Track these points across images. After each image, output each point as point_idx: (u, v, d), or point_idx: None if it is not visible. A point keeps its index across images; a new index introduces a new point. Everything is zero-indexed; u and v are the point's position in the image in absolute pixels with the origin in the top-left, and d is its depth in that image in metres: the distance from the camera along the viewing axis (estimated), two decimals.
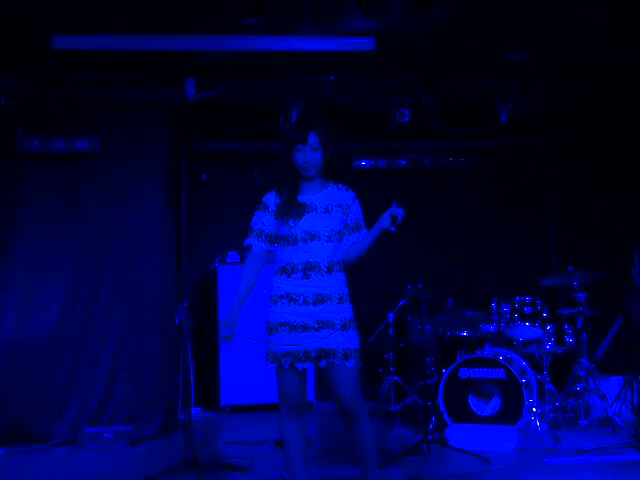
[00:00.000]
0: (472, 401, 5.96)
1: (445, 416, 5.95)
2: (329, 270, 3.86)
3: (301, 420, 3.95)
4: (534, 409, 5.98)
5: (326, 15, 5.42)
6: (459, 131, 7.16)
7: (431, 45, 5.96)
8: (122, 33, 5.64)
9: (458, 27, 5.64)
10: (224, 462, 5.30)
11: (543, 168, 8.02)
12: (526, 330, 6.37)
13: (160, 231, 6.67)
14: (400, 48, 5.99)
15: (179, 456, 5.20)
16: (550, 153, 7.97)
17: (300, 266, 3.85)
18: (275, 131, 6.86)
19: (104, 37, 5.63)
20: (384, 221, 3.80)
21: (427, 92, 6.70)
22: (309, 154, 3.84)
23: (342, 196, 3.94)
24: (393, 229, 3.79)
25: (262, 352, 7.12)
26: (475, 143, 7.68)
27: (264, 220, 3.95)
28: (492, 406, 5.92)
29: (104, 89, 6.37)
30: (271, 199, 3.95)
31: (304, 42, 5.80)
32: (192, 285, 7.48)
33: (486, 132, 7.13)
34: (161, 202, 6.68)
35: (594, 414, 6.13)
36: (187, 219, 7.43)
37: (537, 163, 7.99)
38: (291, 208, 3.86)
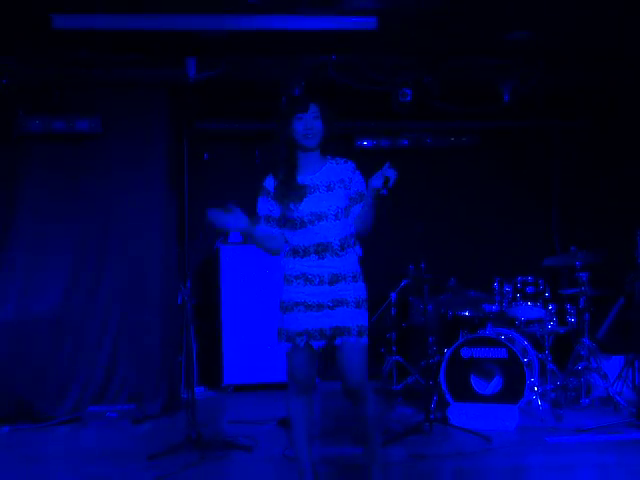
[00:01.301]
0: (474, 380, 5.97)
1: (447, 395, 5.97)
2: (342, 248, 3.84)
3: (309, 399, 3.96)
4: (536, 388, 5.99)
5: None
6: (461, 111, 7.14)
7: (433, 24, 5.93)
8: (123, 12, 5.61)
9: (460, 6, 5.62)
10: (227, 441, 5.32)
11: (546, 148, 8.03)
12: (528, 310, 6.37)
13: (161, 211, 6.68)
14: (402, 27, 5.97)
15: (182, 435, 5.24)
16: (553, 133, 7.97)
17: (312, 248, 3.83)
18: (277, 111, 6.83)
19: (105, 16, 5.61)
20: (375, 180, 3.69)
21: (429, 72, 6.70)
22: (310, 122, 3.82)
23: (342, 170, 3.90)
24: (385, 192, 3.67)
25: (265, 332, 7.25)
26: (477, 123, 7.69)
27: (268, 206, 3.90)
28: (494, 385, 5.93)
29: (105, 69, 6.36)
30: (270, 183, 3.92)
31: (306, 21, 5.78)
32: (194, 265, 7.48)
33: (488, 112, 7.12)
34: (162, 182, 6.68)
35: (595, 393, 6.16)
36: (189, 199, 7.39)
37: (540, 143, 7.99)
38: (288, 191, 3.84)
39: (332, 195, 3.86)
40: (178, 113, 7.10)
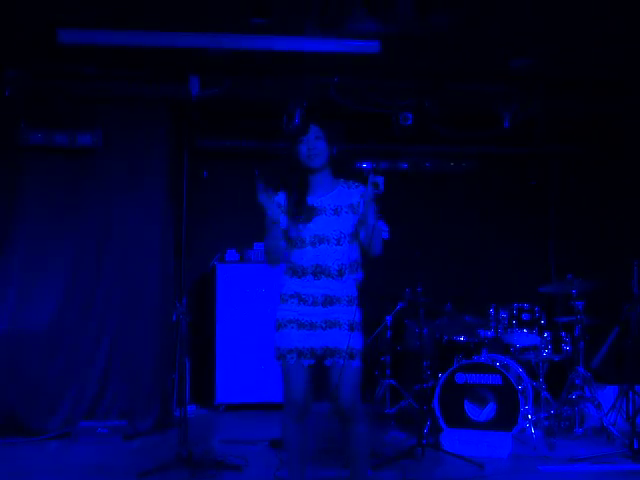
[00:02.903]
0: (467, 406, 5.95)
1: (440, 420, 5.94)
2: (340, 274, 3.85)
3: (305, 423, 3.93)
4: (529, 416, 5.97)
5: (332, 16, 5.42)
6: (461, 135, 7.17)
7: (435, 50, 5.97)
8: (128, 29, 5.64)
9: (462, 32, 5.66)
10: (217, 460, 5.28)
11: (544, 175, 8.05)
12: (523, 337, 6.37)
13: (160, 228, 6.67)
14: (405, 52, 6.01)
15: (173, 452, 5.21)
16: (551, 160, 8.00)
17: (310, 269, 3.84)
18: (278, 131, 6.87)
19: (110, 32, 5.64)
20: (367, 193, 3.77)
21: (430, 96, 6.72)
22: (312, 143, 3.86)
23: (352, 194, 3.92)
24: (380, 190, 3.73)
25: (258, 351, 7.23)
26: (477, 148, 7.71)
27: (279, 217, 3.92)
28: (487, 412, 5.91)
29: (108, 84, 6.38)
30: (282, 198, 3.94)
31: (309, 43, 5.81)
32: (190, 283, 7.49)
33: (488, 137, 7.15)
34: (161, 199, 6.68)
35: (589, 423, 6.13)
36: (187, 216, 7.42)
37: (538, 170, 8.01)
38: (300, 211, 3.86)
39: (338, 219, 3.87)
40: (179, 130, 7.15)
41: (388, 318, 6.90)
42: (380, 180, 3.73)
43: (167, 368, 6.68)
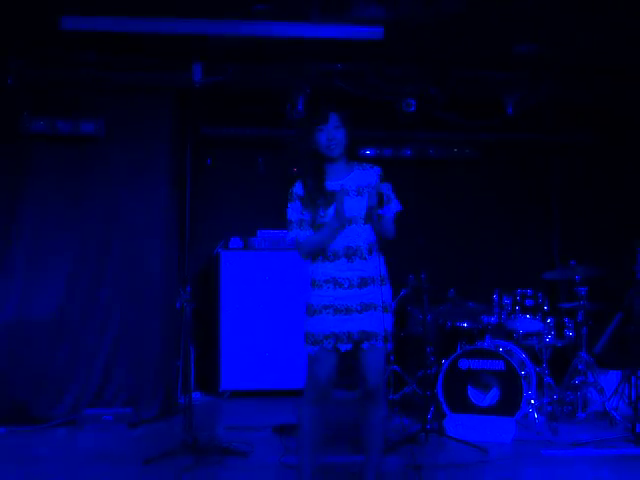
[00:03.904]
0: (471, 392, 5.98)
1: (444, 406, 5.98)
2: (370, 252, 3.89)
3: (323, 408, 3.96)
4: (532, 401, 6.01)
5: (335, 2, 5.43)
6: (465, 122, 7.16)
7: (440, 36, 5.97)
8: (130, 15, 5.65)
9: (467, 18, 5.65)
10: (223, 446, 5.31)
11: (548, 162, 8.05)
12: (527, 323, 6.39)
13: (163, 215, 6.69)
14: (409, 38, 6.01)
15: (178, 439, 5.25)
16: (556, 148, 7.98)
17: (342, 251, 3.87)
18: (281, 118, 6.87)
19: (113, 19, 5.64)
20: (371, 199, 3.78)
21: (434, 83, 6.72)
22: (332, 132, 3.87)
23: (369, 175, 3.95)
24: (380, 211, 3.75)
25: (263, 338, 7.27)
26: (480, 135, 7.69)
27: (299, 209, 3.95)
28: (491, 397, 5.94)
29: (111, 71, 6.39)
30: (300, 188, 3.96)
31: (312, 29, 5.81)
32: (194, 270, 7.49)
33: (492, 124, 7.13)
34: (165, 186, 6.69)
35: (592, 408, 6.16)
36: (190, 204, 7.43)
37: (542, 157, 8.01)
38: (317, 198, 3.88)
39: (362, 199, 3.89)
40: (183, 118, 7.14)
41: (392, 304, 6.89)
42: (385, 189, 3.72)
43: (172, 355, 6.71)
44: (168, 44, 6.07)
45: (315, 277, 3.94)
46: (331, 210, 3.86)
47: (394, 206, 3.97)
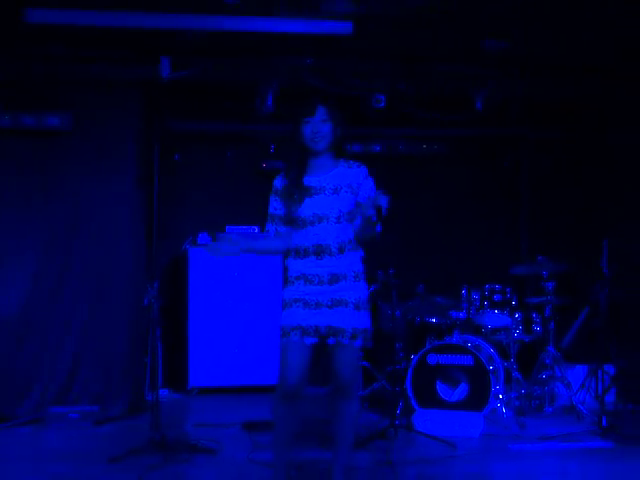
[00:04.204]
0: (440, 387, 6.01)
1: (412, 401, 6.00)
2: (340, 250, 3.88)
3: (296, 405, 3.93)
4: (500, 396, 6.06)
5: None
6: (434, 118, 7.16)
7: (409, 31, 5.97)
8: (98, 8, 5.59)
9: (436, 14, 5.66)
10: (191, 444, 5.27)
11: (517, 158, 8.12)
12: (495, 318, 6.44)
13: (130, 211, 6.63)
14: (378, 33, 6.00)
15: (145, 437, 5.20)
16: (524, 143, 8.04)
17: (311, 248, 3.87)
18: (250, 113, 6.85)
19: (79, 12, 5.57)
20: (368, 210, 3.68)
21: (403, 78, 6.72)
22: (317, 125, 3.86)
23: (353, 174, 3.93)
24: (378, 227, 3.70)
25: (231, 335, 7.26)
26: (449, 131, 7.72)
27: (275, 204, 3.98)
28: (459, 392, 5.97)
29: (77, 65, 6.31)
30: (279, 182, 3.98)
31: (282, 24, 5.79)
32: (162, 266, 7.45)
33: (462, 120, 7.15)
34: (132, 182, 6.63)
35: (559, 402, 6.24)
36: (158, 199, 7.33)
37: (512, 153, 8.07)
38: (293, 192, 3.88)
39: (337, 198, 3.88)
40: (151, 112, 7.04)
41: None
42: (384, 203, 3.60)
43: (139, 352, 6.66)
44: (136, 38, 6.01)
45: (288, 273, 3.96)
46: (305, 205, 3.86)
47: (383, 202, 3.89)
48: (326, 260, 3.86)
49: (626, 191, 7.13)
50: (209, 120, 7.47)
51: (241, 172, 7.57)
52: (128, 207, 6.61)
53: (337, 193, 3.88)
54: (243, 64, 6.50)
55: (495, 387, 5.95)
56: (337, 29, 5.81)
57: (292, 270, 3.94)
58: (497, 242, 7.93)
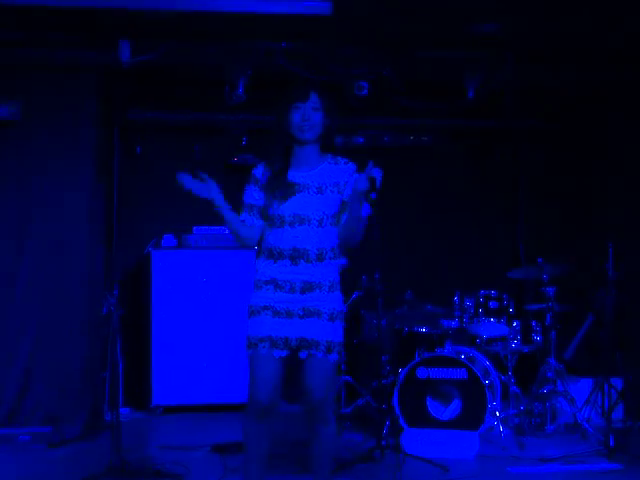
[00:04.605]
0: (430, 404, 6.00)
1: (400, 420, 5.98)
2: (319, 258, 3.85)
3: (268, 424, 3.92)
4: (497, 413, 6.05)
5: None
6: (422, 107, 7.17)
7: (394, 12, 5.95)
8: None
9: None
10: (155, 469, 5.26)
11: (513, 151, 8.13)
12: (490, 327, 6.44)
13: (88, 210, 6.59)
14: (360, 14, 5.96)
15: (105, 461, 5.15)
16: (521, 134, 8.06)
17: (287, 252, 3.84)
18: (219, 102, 6.82)
19: None
20: (360, 183, 3.68)
21: (388, 64, 6.71)
22: (308, 112, 3.84)
23: (340, 172, 3.91)
24: (373, 195, 3.66)
25: (200, 348, 7.21)
26: (439, 121, 7.73)
27: (254, 194, 3.95)
28: (452, 409, 5.97)
29: (27, 49, 6.25)
30: (260, 171, 3.96)
31: (253, 3, 5.74)
32: (123, 271, 7.40)
33: (451, 109, 7.16)
34: (89, 177, 6.59)
35: (562, 419, 6.24)
36: (118, 197, 7.36)
37: (506, 145, 8.07)
38: (276, 187, 3.86)
39: (321, 199, 3.86)
40: (109, 101, 7.06)
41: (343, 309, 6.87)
42: (378, 175, 3.66)
43: (97, 367, 6.62)
44: (92, 19, 5.92)
45: (257, 277, 3.92)
46: (286, 203, 3.83)
47: (366, 208, 3.87)
48: (301, 267, 3.83)
49: (632, 189, 7.13)
50: (174, 110, 7.42)
51: (210, 167, 7.41)
52: (85, 205, 6.57)
53: (321, 193, 3.86)
54: (211, 48, 6.45)
55: (491, 403, 5.94)
56: (315, 9, 5.77)
57: (262, 273, 3.90)
58: (493, 243, 7.95)
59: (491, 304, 6.49)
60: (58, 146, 6.49)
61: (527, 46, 6.60)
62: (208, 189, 3.79)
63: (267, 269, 3.88)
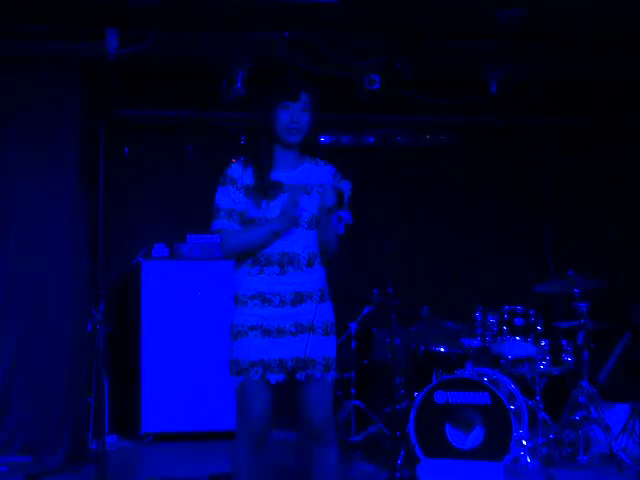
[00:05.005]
0: (450, 431, 5.95)
1: (417, 449, 5.94)
2: (309, 263, 3.88)
3: (260, 453, 3.92)
4: (524, 442, 6.02)
5: None
6: (439, 103, 7.20)
7: None
8: None
9: None
10: None
11: (540, 151, 8.14)
12: (516, 346, 6.40)
13: (70, 217, 6.59)
14: (369, 1, 5.95)
15: None
16: (548, 133, 8.06)
17: (275, 257, 3.84)
18: (215, 98, 6.83)
19: None
20: (326, 197, 3.72)
21: (402, 55, 6.73)
22: (298, 114, 3.85)
23: (322, 173, 3.96)
24: (342, 213, 3.63)
25: (194, 369, 7.17)
26: (458, 119, 7.78)
27: (233, 197, 3.92)
28: (474, 438, 5.92)
29: (6, 40, 6.26)
30: (237, 171, 3.94)
31: None
32: (109, 284, 7.43)
33: (472, 105, 7.21)
34: (73, 180, 6.59)
35: (595, 449, 6.21)
36: (104, 202, 7.37)
37: (532, 145, 8.07)
38: (266, 186, 3.85)
39: (309, 199, 3.88)
40: (94, 97, 7.10)
41: (352, 325, 6.88)
42: (346, 188, 3.65)
43: (81, 390, 6.60)
44: (76, 6, 5.93)
45: (240, 291, 3.91)
46: (274, 204, 3.83)
47: (345, 216, 3.81)
48: (290, 275, 3.84)
49: None
50: (166, 107, 7.45)
51: (205, 169, 7.51)
52: (68, 211, 6.57)
53: (308, 193, 3.90)
54: (206, 38, 6.48)
55: (517, 431, 5.92)
56: None
57: (245, 287, 3.90)
58: (518, 254, 7.94)
59: (516, 321, 6.46)
60: (38, 147, 6.50)
61: (556, 33, 6.61)
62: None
63: (251, 282, 3.87)
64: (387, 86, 6.77)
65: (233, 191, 3.90)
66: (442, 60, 6.86)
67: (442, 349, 6.53)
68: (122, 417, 7.26)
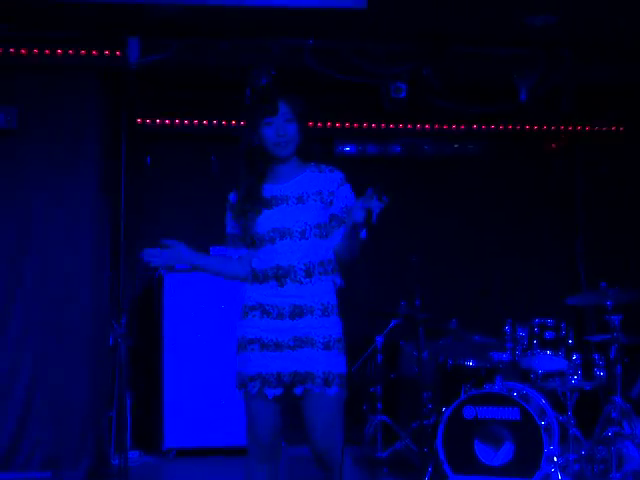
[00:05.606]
0: (478, 447, 5.94)
1: (445, 466, 5.93)
2: (308, 274, 3.82)
3: (273, 466, 3.90)
4: (555, 458, 5.98)
5: None
6: (467, 111, 7.21)
7: (436, 4, 5.97)
8: None
9: None
10: None
11: (571, 159, 8.11)
12: (547, 360, 6.37)
13: (92, 228, 6.66)
14: (398, 7, 6.00)
15: None
16: (580, 141, 8.05)
17: (270, 271, 3.82)
18: (238, 107, 6.84)
19: None
20: (356, 214, 3.60)
21: (429, 62, 6.75)
22: (282, 127, 3.82)
23: (324, 180, 3.89)
24: (363, 233, 3.66)
25: (217, 383, 7.20)
26: (487, 127, 7.81)
27: (231, 222, 3.97)
28: (503, 454, 5.90)
29: (26, 50, 6.33)
30: (233, 196, 3.97)
31: None
32: (131, 297, 7.48)
33: (500, 114, 7.19)
34: (94, 191, 6.66)
35: (629, 466, 6.15)
36: (126, 213, 7.39)
37: (563, 153, 8.04)
38: (246, 204, 3.87)
39: (302, 208, 3.84)
40: (116, 106, 7.13)
41: (379, 339, 6.88)
42: (375, 207, 3.52)
43: (102, 405, 6.65)
44: (98, 15, 6.02)
45: (244, 302, 3.92)
46: (262, 219, 3.82)
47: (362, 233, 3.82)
48: (288, 288, 3.81)
49: None
50: (188, 116, 7.51)
51: (228, 179, 7.54)
52: (89, 222, 6.64)
53: (302, 202, 3.85)
54: (229, 46, 6.53)
55: (548, 447, 5.88)
56: (347, 2, 5.81)
57: (247, 298, 3.90)
58: (549, 265, 7.94)
59: (547, 334, 6.43)
60: (60, 157, 6.56)
61: (587, 39, 6.62)
62: (178, 255, 3.98)
63: (253, 293, 3.88)
64: (414, 94, 6.79)
65: (230, 216, 3.96)
66: (470, 67, 6.89)
67: (471, 363, 6.53)
68: (144, 432, 7.30)
